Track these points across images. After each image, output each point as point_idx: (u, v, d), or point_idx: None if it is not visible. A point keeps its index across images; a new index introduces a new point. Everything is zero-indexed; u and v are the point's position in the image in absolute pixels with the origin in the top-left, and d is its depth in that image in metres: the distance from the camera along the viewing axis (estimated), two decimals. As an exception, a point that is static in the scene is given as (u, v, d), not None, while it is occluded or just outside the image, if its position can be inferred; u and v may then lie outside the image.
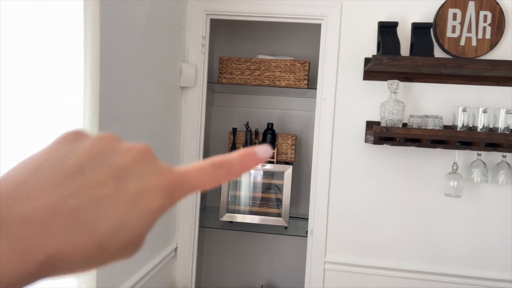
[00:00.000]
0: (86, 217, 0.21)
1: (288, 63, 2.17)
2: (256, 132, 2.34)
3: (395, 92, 1.79)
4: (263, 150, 0.28)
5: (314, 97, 2.27)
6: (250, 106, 2.61)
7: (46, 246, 0.19)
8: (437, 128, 1.75)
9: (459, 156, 1.85)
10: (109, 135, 0.25)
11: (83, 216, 0.21)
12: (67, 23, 1.00)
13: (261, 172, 2.29)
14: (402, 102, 1.78)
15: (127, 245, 0.22)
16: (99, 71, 0.90)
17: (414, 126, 1.79)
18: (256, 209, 2.28)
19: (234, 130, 2.34)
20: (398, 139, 1.73)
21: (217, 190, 2.53)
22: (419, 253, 1.90)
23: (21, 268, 0.18)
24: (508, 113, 1.74)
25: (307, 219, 2.35)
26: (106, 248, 0.21)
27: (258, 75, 2.19)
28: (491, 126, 1.76)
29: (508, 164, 1.79)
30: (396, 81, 1.78)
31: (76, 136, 0.25)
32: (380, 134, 1.72)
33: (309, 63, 2.18)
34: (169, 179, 0.24)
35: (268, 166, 2.23)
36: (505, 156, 1.80)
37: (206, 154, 2.51)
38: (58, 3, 0.97)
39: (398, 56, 1.73)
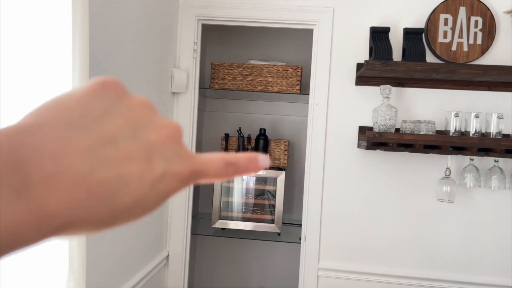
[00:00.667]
0: (109, 191, 0.20)
1: (280, 69, 2.16)
2: (249, 138, 2.33)
3: (387, 97, 1.78)
4: (264, 159, 0.28)
5: (307, 102, 2.26)
6: (242, 111, 2.59)
7: (64, 214, 0.19)
8: (430, 133, 1.75)
9: (452, 161, 1.84)
10: (146, 101, 0.25)
11: (106, 189, 0.20)
12: (55, 28, 0.98)
13: (254, 178, 2.27)
14: (395, 107, 1.78)
15: (135, 218, 0.22)
16: (88, 77, 0.88)
17: (407, 132, 1.79)
18: (248, 215, 2.26)
19: (227, 136, 2.32)
20: (391, 144, 1.72)
21: (209, 197, 2.51)
22: (412, 259, 1.89)
23: (35, 232, 0.18)
24: (500, 118, 1.74)
25: (300, 225, 2.34)
26: (117, 221, 0.21)
27: (250, 80, 2.17)
28: (483, 131, 1.77)
29: (501, 169, 1.79)
30: (388, 86, 1.77)
31: (115, 89, 0.24)
32: (373, 139, 1.71)
33: (302, 69, 2.17)
34: (191, 166, 0.24)
35: (261, 172, 2.21)
36: (497, 161, 1.80)
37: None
38: (46, 9, 0.95)
39: (390, 61, 1.73)
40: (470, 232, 1.86)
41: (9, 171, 0.18)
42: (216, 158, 0.26)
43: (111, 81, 0.24)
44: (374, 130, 1.80)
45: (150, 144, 0.23)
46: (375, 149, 1.76)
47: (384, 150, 1.75)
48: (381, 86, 1.79)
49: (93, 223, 0.20)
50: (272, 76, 2.15)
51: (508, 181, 1.80)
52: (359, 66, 1.90)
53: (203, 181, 0.26)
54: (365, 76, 1.87)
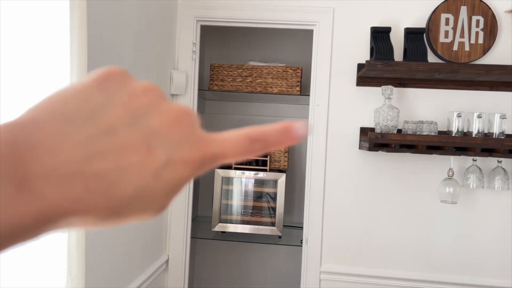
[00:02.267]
0: (107, 182, 0.20)
1: (280, 70, 2.14)
2: (249, 140, 2.30)
3: (389, 98, 1.76)
4: (302, 127, 0.25)
5: (307, 103, 2.24)
6: (242, 113, 2.57)
7: (64, 207, 0.19)
8: (432, 133, 1.73)
9: (454, 162, 1.82)
10: (151, 86, 0.23)
11: (104, 181, 0.20)
12: (52, 30, 0.96)
13: (253, 181, 2.25)
14: (397, 108, 1.76)
15: (145, 212, 0.22)
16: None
17: (409, 132, 1.77)
18: (249, 218, 2.23)
19: (226, 138, 2.30)
20: (393, 145, 1.70)
21: (209, 199, 2.48)
22: (415, 261, 1.87)
23: (35, 225, 0.18)
24: (503, 118, 1.72)
25: (301, 227, 2.31)
26: (122, 213, 0.21)
27: (250, 82, 2.15)
28: (485, 131, 1.75)
29: (504, 170, 1.77)
30: (390, 86, 1.76)
31: (117, 78, 0.23)
32: (375, 140, 1.69)
33: (302, 70, 2.15)
34: (203, 152, 0.23)
35: (261, 174, 2.19)
36: (500, 162, 1.78)
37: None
38: (43, 10, 0.93)
39: (392, 61, 1.71)
40: (473, 234, 1.84)
41: (9, 166, 0.18)
42: (237, 136, 0.24)
43: (113, 70, 0.23)
44: (376, 131, 1.78)
45: (150, 131, 0.21)
46: (377, 150, 1.74)
47: (387, 151, 1.73)
48: (382, 86, 1.78)
49: (94, 215, 0.20)
50: (272, 78, 2.13)
51: (511, 182, 1.78)
52: (360, 66, 1.88)
53: (225, 162, 0.24)
54: (366, 76, 1.85)
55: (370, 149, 1.72)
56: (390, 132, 1.73)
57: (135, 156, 0.20)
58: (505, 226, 1.82)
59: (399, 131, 1.83)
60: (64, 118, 0.20)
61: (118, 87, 0.22)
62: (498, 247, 1.82)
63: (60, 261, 0.95)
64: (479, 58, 1.83)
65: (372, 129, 1.86)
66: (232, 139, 0.24)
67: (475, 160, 1.80)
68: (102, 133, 0.20)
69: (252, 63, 2.22)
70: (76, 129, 0.20)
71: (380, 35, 1.79)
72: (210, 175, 2.50)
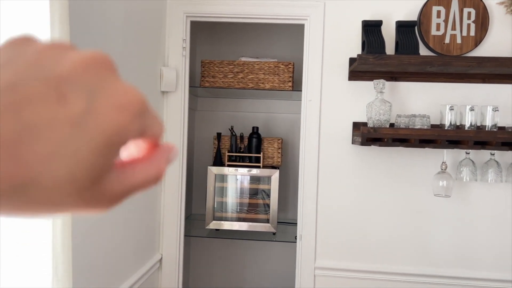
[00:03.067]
0: (15, 144, 0.17)
1: (272, 65, 2.12)
2: (241, 136, 2.29)
3: (381, 92, 1.75)
4: (173, 155, 0.24)
5: (299, 99, 2.23)
6: (234, 110, 2.55)
7: None
8: (425, 127, 1.72)
9: (447, 156, 1.82)
10: (57, 43, 0.21)
11: (13, 146, 0.16)
12: (32, 25, 0.93)
13: (248, 177, 2.23)
14: (389, 102, 1.75)
15: (83, 170, 0.18)
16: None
17: (402, 126, 1.76)
18: (243, 215, 2.22)
19: (219, 135, 2.28)
20: (386, 139, 1.69)
21: (203, 197, 2.46)
22: (409, 255, 1.86)
23: None
24: (495, 111, 1.71)
25: (296, 224, 2.30)
26: (42, 184, 0.17)
27: (241, 78, 2.13)
28: (478, 124, 1.74)
29: (497, 162, 1.76)
30: (382, 80, 1.74)
31: (23, 42, 0.20)
32: (368, 135, 1.68)
33: (293, 65, 2.14)
34: (133, 98, 0.20)
35: (255, 171, 2.17)
36: (493, 154, 1.78)
37: (190, 160, 2.44)
38: (22, 9, 0.90)
39: (384, 55, 1.69)
40: (467, 227, 1.83)
41: None
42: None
43: (18, 36, 0.21)
44: (368, 125, 1.77)
45: (58, 77, 0.18)
46: (370, 145, 1.72)
47: (379, 146, 1.72)
48: (374, 80, 1.76)
49: (12, 195, 0.17)
50: (263, 73, 2.11)
51: (504, 174, 1.78)
52: (352, 61, 1.86)
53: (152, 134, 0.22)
54: (358, 70, 1.84)
55: (363, 143, 1.70)
56: (383, 126, 1.72)
57: (42, 107, 0.17)
58: (498, 218, 1.81)
59: (392, 125, 1.81)
60: None
61: (24, 47, 0.20)
62: (492, 240, 1.82)
63: (45, 261, 0.93)
64: (471, 50, 1.82)
65: (365, 124, 1.85)
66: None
67: (468, 153, 1.79)
68: (1, 90, 0.17)
69: (243, 59, 2.20)
70: None
71: (371, 29, 1.78)
72: (203, 173, 2.48)
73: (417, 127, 1.72)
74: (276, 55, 2.40)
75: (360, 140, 1.71)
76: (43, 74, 0.18)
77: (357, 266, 1.88)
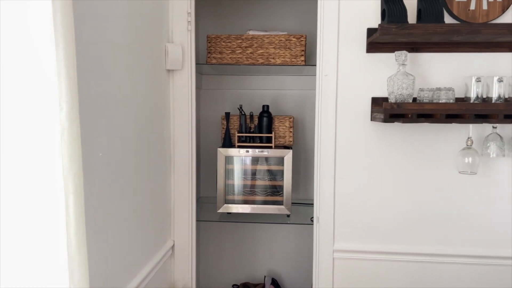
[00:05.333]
0: None
1: (283, 39, 1.99)
2: (251, 116, 2.18)
3: (403, 65, 1.64)
4: None
5: (311, 74, 2.11)
6: (241, 88, 2.43)
7: None
8: (451, 101, 1.62)
9: (473, 131, 1.72)
10: None
11: None
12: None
13: (259, 159, 2.13)
14: (412, 75, 1.63)
15: None
16: (75, 55, 0.72)
17: (425, 101, 1.65)
18: (254, 198, 2.13)
19: (227, 115, 2.17)
20: (410, 115, 1.58)
21: (212, 179, 2.37)
22: (431, 235, 1.79)
23: None
24: (525, 81, 1.61)
25: (308, 204, 2.23)
26: None
27: (250, 53, 2.00)
28: (506, 96, 1.64)
29: (526, 136, 1.67)
30: (404, 52, 1.63)
31: None
32: (391, 111, 1.57)
33: (306, 38, 2.01)
34: None
35: (267, 152, 2.07)
36: (521, 128, 1.68)
37: (198, 142, 2.34)
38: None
39: (407, 24, 1.57)
40: (492, 205, 1.75)
41: None
42: None
43: None
44: (389, 100, 1.66)
45: None
46: (393, 122, 1.62)
47: (403, 122, 1.62)
48: (396, 52, 1.65)
49: None
50: (274, 48, 1.99)
51: (533, 149, 1.69)
52: (370, 31, 1.74)
53: None
54: (378, 42, 1.72)
55: (386, 120, 1.60)
56: (406, 101, 1.61)
57: None
58: (526, 195, 1.74)
59: (414, 100, 1.71)
60: None
61: None
62: (519, 217, 1.74)
63: (60, 259, 0.84)
64: (498, 17, 1.70)
65: (385, 99, 1.74)
66: None
67: (495, 128, 1.70)
68: None
69: (251, 32, 2.06)
70: None
71: (392, -4, 1.64)
72: (211, 155, 2.38)
73: (442, 101, 1.61)
74: (285, 28, 2.26)
75: (382, 116, 1.61)
76: None
77: (377, 248, 1.81)
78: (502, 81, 1.62)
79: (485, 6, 1.70)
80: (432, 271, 1.80)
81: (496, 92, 1.63)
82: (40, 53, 0.68)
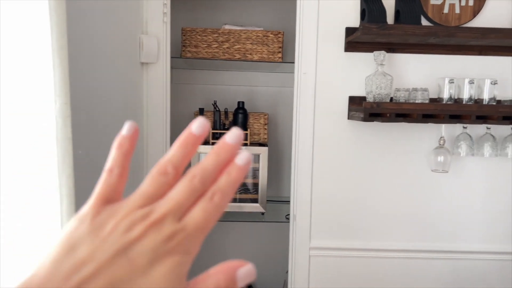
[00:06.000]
0: None
1: (260, 34, 1.96)
2: (226, 112, 2.13)
3: (382, 64, 1.66)
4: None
5: (286, 71, 2.10)
6: (214, 83, 2.37)
7: None
8: (426, 101, 1.66)
9: (444, 130, 1.78)
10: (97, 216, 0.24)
11: None
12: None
13: (233, 156, 2.09)
14: (390, 75, 1.66)
15: None
16: (68, 48, 0.65)
17: (401, 100, 1.68)
18: (229, 195, 2.09)
19: (201, 111, 2.11)
20: (388, 115, 1.61)
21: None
22: (406, 232, 1.84)
23: None
24: (494, 84, 1.68)
25: (281, 201, 2.22)
26: None
27: (227, 48, 1.96)
28: (475, 98, 1.70)
29: (493, 136, 1.75)
30: (383, 52, 1.65)
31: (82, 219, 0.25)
32: (370, 110, 1.59)
33: (283, 34, 1.99)
34: (168, 231, 0.24)
35: (242, 149, 2.04)
36: (489, 128, 1.76)
37: (173, 138, 2.26)
38: None
39: (387, 24, 1.59)
40: (462, 201, 1.83)
41: None
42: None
43: (79, 217, 0.25)
44: (367, 99, 1.68)
45: (123, 246, 0.23)
46: (373, 121, 1.64)
47: (382, 121, 1.64)
48: (375, 52, 1.66)
49: None
50: (251, 43, 1.95)
51: (499, 148, 1.77)
52: (349, 30, 1.75)
53: (201, 228, 0.27)
54: (357, 41, 1.73)
55: (366, 119, 1.61)
56: (384, 101, 1.64)
57: (119, 268, 0.22)
58: (493, 192, 1.82)
59: (391, 99, 1.74)
60: (49, 262, 0.23)
61: (82, 226, 0.24)
62: (485, 213, 1.83)
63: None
64: (469, 21, 1.76)
65: (363, 98, 1.76)
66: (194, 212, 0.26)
67: (465, 128, 1.76)
68: (83, 266, 0.22)
69: (227, 27, 2.01)
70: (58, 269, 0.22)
71: (371, -4, 1.66)
72: (183, 151, 2.32)
73: (418, 101, 1.65)
74: (261, 24, 2.23)
75: (362, 115, 1.62)
76: (109, 246, 0.23)
77: (354, 245, 1.83)
78: (473, 83, 1.68)
79: (457, 10, 1.76)
80: (405, 267, 1.85)
81: (467, 93, 1.69)
82: (35, 42, 0.61)
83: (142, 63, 1.72)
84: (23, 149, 0.59)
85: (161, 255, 0.23)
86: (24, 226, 0.63)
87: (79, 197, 0.96)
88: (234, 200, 2.08)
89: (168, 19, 1.75)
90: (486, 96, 1.69)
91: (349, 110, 1.79)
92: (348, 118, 1.79)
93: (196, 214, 0.26)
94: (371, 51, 1.73)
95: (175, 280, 0.23)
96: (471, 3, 1.75)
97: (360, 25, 1.58)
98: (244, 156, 0.27)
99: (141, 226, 0.24)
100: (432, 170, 1.76)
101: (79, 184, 1.02)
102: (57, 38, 0.63)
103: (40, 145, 0.58)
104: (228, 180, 0.27)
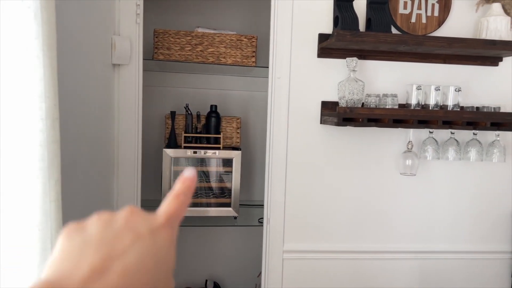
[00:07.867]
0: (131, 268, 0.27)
1: (234, 38, 1.96)
2: (198, 116, 2.11)
3: (354, 71, 1.70)
4: (188, 172, 0.36)
5: (259, 76, 2.11)
6: (186, 86, 2.35)
7: None
8: (396, 107, 1.72)
9: (411, 135, 1.85)
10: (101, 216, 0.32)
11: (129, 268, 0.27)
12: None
13: (207, 160, 2.08)
14: (362, 81, 1.71)
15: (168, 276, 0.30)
16: (56, 45, 0.62)
17: (372, 106, 1.73)
18: (201, 200, 2.07)
19: (173, 114, 2.08)
20: (361, 119, 1.65)
21: (154, 181, 2.26)
22: (374, 233, 1.89)
23: None
24: (458, 91, 1.77)
25: (253, 205, 2.23)
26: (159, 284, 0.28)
27: (200, 51, 1.94)
28: (441, 104, 1.78)
29: (457, 141, 1.83)
30: (355, 58, 1.69)
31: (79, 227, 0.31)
32: (344, 115, 1.63)
33: (257, 39, 2.00)
34: (162, 218, 0.33)
35: (215, 153, 2.02)
36: (453, 133, 1.84)
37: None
38: None
39: (360, 32, 1.64)
40: (428, 203, 1.90)
41: None
42: (168, 201, 0.35)
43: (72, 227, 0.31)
44: (340, 105, 1.72)
45: (125, 223, 0.31)
46: (346, 125, 1.68)
47: (355, 126, 1.68)
48: (347, 58, 1.71)
49: None
50: (225, 47, 1.95)
51: (462, 152, 1.86)
52: (321, 37, 1.79)
53: (179, 218, 0.35)
54: (330, 47, 1.77)
55: (339, 124, 1.65)
56: (356, 106, 1.68)
57: (127, 239, 0.29)
58: (455, 194, 1.91)
59: (362, 104, 1.79)
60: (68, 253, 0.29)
61: (84, 230, 0.31)
62: (451, 214, 1.91)
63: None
64: (434, 30, 1.84)
65: (335, 103, 1.80)
66: (169, 204, 0.34)
67: (432, 132, 1.84)
68: (102, 244, 0.29)
69: (200, 29, 2.00)
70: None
71: (344, 4, 1.70)
72: (154, 155, 2.27)
73: (388, 107, 1.71)
74: (234, 28, 2.23)
75: (336, 120, 1.65)
76: (114, 228, 0.31)
77: (326, 247, 1.86)
78: (439, 89, 1.76)
79: (424, 20, 1.83)
80: (375, 267, 1.90)
81: (433, 99, 1.76)
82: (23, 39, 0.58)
83: (114, 65, 1.68)
84: (11, 153, 0.56)
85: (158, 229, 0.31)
86: (10, 231, 0.59)
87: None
88: (207, 205, 2.06)
89: (141, 20, 1.72)
90: (450, 103, 1.77)
91: (322, 114, 1.82)
92: (321, 123, 1.82)
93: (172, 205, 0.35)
94: (344, 57, 1.77)
95: (173, 248, 0.32)
96: (436, 13, 1.83)
97: (334, 32, 1.62)
98: (190, 172, 0.36)
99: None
100: (400, 173, 1.83)
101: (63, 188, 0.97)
102: (48, 37, 0.60)
103: (27, 149, 0.55)
104: (185, 188, 0.35)
